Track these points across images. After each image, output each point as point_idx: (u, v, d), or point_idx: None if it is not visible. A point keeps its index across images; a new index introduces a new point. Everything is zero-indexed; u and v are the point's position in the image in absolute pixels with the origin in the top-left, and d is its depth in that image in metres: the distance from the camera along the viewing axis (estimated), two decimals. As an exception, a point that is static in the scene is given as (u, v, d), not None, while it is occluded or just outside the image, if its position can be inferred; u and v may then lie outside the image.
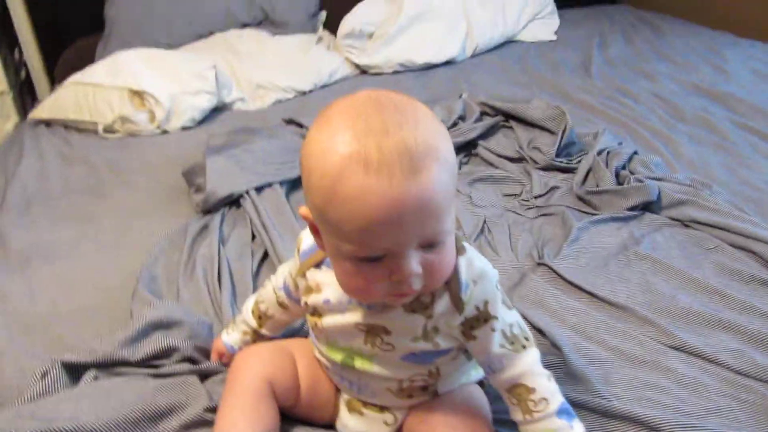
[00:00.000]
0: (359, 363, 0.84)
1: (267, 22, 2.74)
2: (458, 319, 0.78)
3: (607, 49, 2.68)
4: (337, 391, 0.92)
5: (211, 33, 2.64)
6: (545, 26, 2.97)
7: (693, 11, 3.02)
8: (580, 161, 1.58)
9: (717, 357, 0.96)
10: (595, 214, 1.38)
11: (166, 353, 0.99)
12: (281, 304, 0.98)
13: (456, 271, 0.76)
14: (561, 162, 1.60)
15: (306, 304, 0.86)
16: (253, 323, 1.00)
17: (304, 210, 0.75)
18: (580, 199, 1.46)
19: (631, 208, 1.37)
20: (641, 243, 1.27)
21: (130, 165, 1.84)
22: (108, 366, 0.97)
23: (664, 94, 2.09)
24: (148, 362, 0.98)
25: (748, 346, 0.99)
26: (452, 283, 0.77)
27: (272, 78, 2.38)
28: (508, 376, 0.78)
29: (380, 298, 0.73)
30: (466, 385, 0.89)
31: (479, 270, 0.79)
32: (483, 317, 0.78)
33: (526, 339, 0.80)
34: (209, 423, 0.89)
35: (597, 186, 1.46)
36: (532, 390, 0.77)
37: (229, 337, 1.02)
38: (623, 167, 1.49)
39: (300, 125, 1.90)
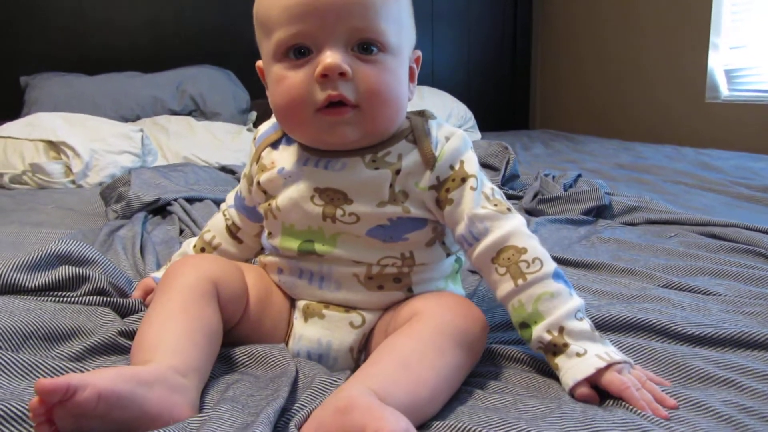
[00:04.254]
0: (320, 246, 0.71)
1: (197, 112, 2.72)
2: (430, 178, 0.70)
3: (529, 150, 2.80)
4: (291, 306, 0.76)
5: (138, 118, 2.58)
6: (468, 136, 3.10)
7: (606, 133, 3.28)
8: (526, 190, 1.55)
9: (709, 289, 0.88)
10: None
11: (72, 283, 0.79)
12: (231, 229, 0.87)
13: (426, 128, 0.72)
14: (507, 190, 1.57)
15: (259, 183, 0.76)
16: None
17: (258, 62, 0.75)
18: (531, 213, 1.41)
19: (585, 213, 1.33)
20: (602, 233, 1.22)
21: (38, 205, 1.65)
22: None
23: (592, 168, 2.17)
24: (48, 293, 0.78)
25: (739, 282, 0.91)
26: (421, 137, 0.71)
27: (200, 153, 2.30)
28: (494, 239, 0.68)
29: (314, 119, 0.67)
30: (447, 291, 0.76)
31: (451, 130, 0.74)
32: (460, 176, 0.70)
33: (509, 209, 0.71)
34: (125, 349, 0.69)
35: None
36: (523, 250, 0.67)
37: (161, 273, 0.84)
38: (570, 186, 1.48)
39: (233, 172, 1.80)
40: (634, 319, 0.74)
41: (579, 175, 1.55)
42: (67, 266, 0.80)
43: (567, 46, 3.59)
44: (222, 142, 2.40)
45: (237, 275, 0.73)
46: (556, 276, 0.66)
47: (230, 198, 0.88)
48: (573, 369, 0.62)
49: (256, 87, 2.48)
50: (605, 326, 0.75)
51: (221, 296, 0.68)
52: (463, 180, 0.70)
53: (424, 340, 0.62)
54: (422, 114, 0.75)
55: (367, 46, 0.66)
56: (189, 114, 2.69)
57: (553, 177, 1.54)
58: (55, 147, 1.93)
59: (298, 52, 0.66)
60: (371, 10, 0.66)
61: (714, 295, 0.86)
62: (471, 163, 0.71)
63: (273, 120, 0.79)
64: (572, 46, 3.55)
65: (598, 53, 3.38)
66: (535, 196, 1.46)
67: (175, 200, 1.34)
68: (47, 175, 1.87)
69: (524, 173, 1.90)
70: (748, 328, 0.70)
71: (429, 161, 0.70)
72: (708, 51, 2.77)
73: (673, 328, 0.72)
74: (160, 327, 0.63)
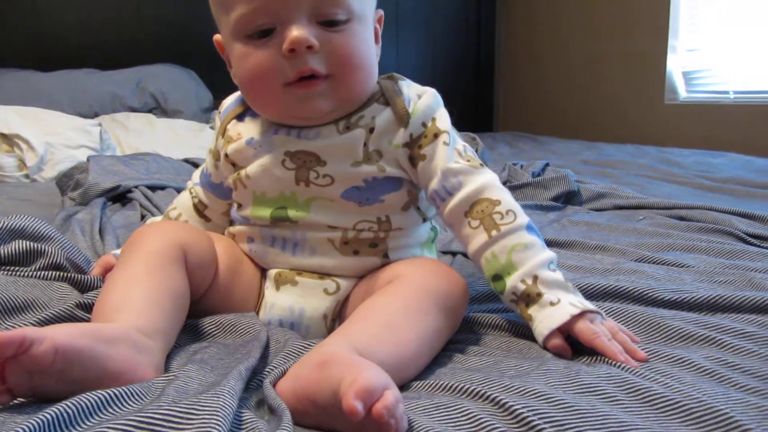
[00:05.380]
0: (294, 212, 0.69)
1: (158, 110, 2.65)
2: (403, 136, 0.69)
3: (494, 150, 2.81)
4: (262, 277, 0.73)
5: (96, 115, 2.50)
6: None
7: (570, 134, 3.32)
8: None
9: (682, 262, 0.88)
10: (519, 203, 1.33)
11: (26, 258, 0.75)
12: (198, 207, 0.83)
13: (397, 88, 0.71)
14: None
15: (227, 156, 0.74)
16: None
17: (216, 36, 0.73)
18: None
19: (554, 199, 1.33)
20: (572, 217, 1.22)
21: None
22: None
23: (557, 165, 2.18)
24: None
25: (711, 256, 0.91)
26: (393, 96, 0.70)
27: (161, 149, 2.22)
28: (467, 192, 0.67)
29: (284, 95, 0.66)
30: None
31: (422, 88, 0.73)
32: (432, 132, 0.70)
33: (481, 164, 0.70)
34: (82, 321, 0.65)
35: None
36: (496, 202, 0.67)
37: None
38: (538, 174, 1.48)
39: (197, 165, 1.76)
40: (610, 287, 0.73)
41: (547, 164, 1.55)
42: (20, 240, 0.76)
43: (529, 49, 3.64)
44: (184, 138, 2.35)
45: (205, 242, 0.70)
46: (529, 228, 0.66)
47: (196, 176, 0.85)
48: (547, 318, 0.61)
49: (219, 86, 2.44)
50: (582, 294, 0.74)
51: (189, 262, 0.65)
52: (436, 135, 0.69)
53: (407, 301, 0.60)
54: (391, 77, 0.74)
55: (332, 20, 0.65)
56: (149, 111, 2.62)
57: (521, 166, 1.54)
58: (7, 140, 1.85)
59: (262, 33, 0.64)
60: None
61: (686, 267, 0.86)
62: (443, 120, 0.71)
63: (237, 93, 0.77)
64: (534, 49, 3.60)
65: (559, 57, 3.43)
66: (503, 184, 1.45)
67: (136, 188, 1.29)
68: (-1, 168, 1.79)
69: (492, 167, 1.90)
70: (724, 292, 0.70)
71: (402, 119, 0.69)
72: (666, 53, 2.84)
73: (650, 294, 0.71)
74: (124, 290, 0.60)
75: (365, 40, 0.68)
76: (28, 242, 0.75)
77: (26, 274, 0.72)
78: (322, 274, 0.70)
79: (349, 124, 0.69)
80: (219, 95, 2.78)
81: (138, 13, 2.92)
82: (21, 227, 0.78)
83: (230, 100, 0.78)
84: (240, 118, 0.75)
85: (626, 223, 1.16)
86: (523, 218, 0.66)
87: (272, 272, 0.72)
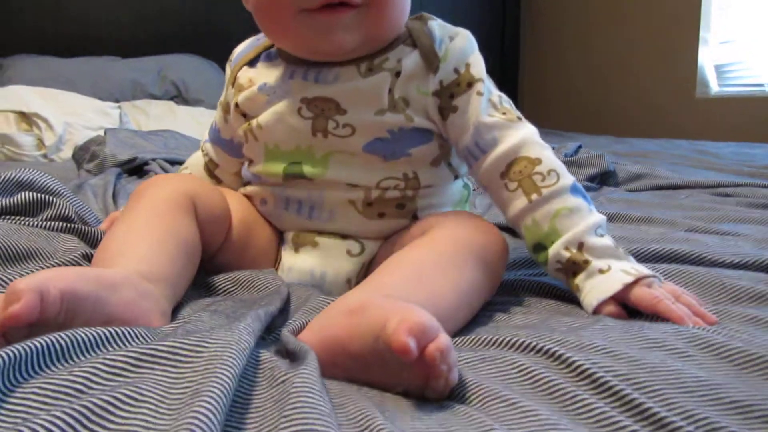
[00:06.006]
0: (309, 168, 0.62)
1: (179, 98, 2.62)
2: (433, 82, 0.62)
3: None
4: (279, 238, 0.67)
5: (117, 101, 2.47)
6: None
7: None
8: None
9: (736, 232, 0.81)
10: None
11: (32, 208, 0.70)
12: (209, 166, 0.78)
13: (426, 29, 0.63)
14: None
15: (237, 106, 0.68)
16: None
17: None
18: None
19: (589, 180, 1.26)
20: (610, 195, 1.15)
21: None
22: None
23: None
24: (2, 216, 0.68)
25: (766, 226, 0.84)
26: (421, 38, 0.62)
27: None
28: (504, 150, 0.60)
29: (298, 21, 0.58)
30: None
31: (455, 29, 0.65)
32: (466, 80, 0.62)
33: (519, 117, 0.63)
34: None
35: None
36: (536, 161, 0.59)
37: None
38: (571, 156, 1.41)
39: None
40: (665, 251, 0.67)
41: (580, 146, 1.48)
42: (26, 191, 0.71)
43: (554, 43, 3.56)
44: (205, 125, 2.29)
45: (217, 195, 0.64)
46: (574, 190, 0.58)
47: (207, 133, 0.79)
48: (597, 287, 0.54)
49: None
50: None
51: (199, 214, 0.60)
52: (470, 85, 0.62)
53: (440, 252, 0.54)
54: (421, 17, 0.66)
55: None
56: (170, 99, 2.59)
57: (554, 148, 1.47)
58: (26, 119, 1.82)
59: None
60: None
61: (743, 236, 0.79)
62: (478, 67, 0.63)
63: (249, 39, 0.72)
64: (560, 43, 3.52)
65: (585, 50, 3.35)
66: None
67: (154, 160, 1.25)
68: (17, 146, 1.76)
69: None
70: (792, 255, 0.63)
71: (432, 63, 0.62)
72: (698, 46, 2.75)
73: (710, 257, 0.65)
74: (125, 236, 0.55)
75: None
76: (34, 193, 0.70)
77: (32, 224, 0.67)
78: (345, 235, 0.64)
79: (372, 66, 0.62)
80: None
81: (161, 6, 2.89)
82: (29, 180, 0.73)
83: (241, 47, 0.72)
84: (251, 64, 0.68)
85: (669, 201, 1.09)
86: (567, 178, 0.59)
87: (289, 234, 0.66)
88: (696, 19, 2.72)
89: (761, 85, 2.58)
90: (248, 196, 0.69)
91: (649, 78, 2.99)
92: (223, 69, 2.41)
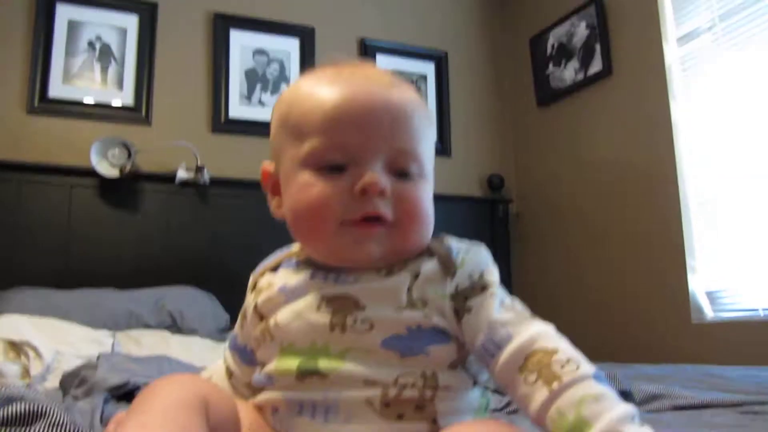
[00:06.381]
0: (325, 363, 0.61)
1: (174, 328, 2.59)
2: (450, 286, 0.64)
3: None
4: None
5: (110, 330, 2.44)
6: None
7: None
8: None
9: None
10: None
11: (24, 419, 0.64)
12: (227, 373, 0.77)
13: (444, 244, 0.68)
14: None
15: (256, 307, 0.69)
16: None
17: (266, 165, 0.72)
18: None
19: (605, 400, 1.20)
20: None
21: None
22: None
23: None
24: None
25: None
26: (438, 249, 0.67)
27: (174, 365, 2.14)
28: (519, 344, 0.59)
29: (338, 232, 0.63)
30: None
31: (471, 243, 0.70)
32: (480, 285, 0.64)
33: (531, 315, 0.64)
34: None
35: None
36: (553, 351, 0.57)
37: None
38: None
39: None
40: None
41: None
42: (19, 402, 0.66)
43: (542, 271, 3.64)
44: (197, 355, 2.25)
45: (230, 401, 0.61)
46: (597, 378, 0.55)
47: (228, 341, 0.79)
48: None
49: (236, 308, 2.40)
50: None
51: (210, 418, 0.55)
52: (483, 288, 0.64)
53: None
54: (438, 236, 0.71)
55: (405, 171, 0.65)
56: (165, 329, 2.56)
57: (562, 368, 1.42)
58: (15, 348, 1.77)
59: (333, 168, 0.63)
60: (415, 136, 0.65)
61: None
62: (492, 276, 0.66)
63: (273, 253, 0.75)
64: (548, 272, 3.61)
65: (574, 284, 3.42)
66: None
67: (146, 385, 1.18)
68: (1, 375, 1.69)
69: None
70: None
71: (449, 269, 0.64)
72: (686, 273, 2.83)
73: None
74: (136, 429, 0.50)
75: (430, 198, 0.68)
76: (27, 404, 0.65)
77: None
78: None
79: (392, 270, 0.64)
80: (235, 316, 2.75)
81: (167, 242, 2.99)
82: (20, 395, 0.68)
83: (264, 261, 0.76)
84: (274, 270, 0.71)
85: (696, 420, 1.02)
86: (587, 366, 0.57)
87: None
88: (681, 246, 2.83)
89: (755, 309, 2.61)
90: (259, 408, 0.65)
91: (645, 305, 3.02)
92: (220, 300, 2.42)
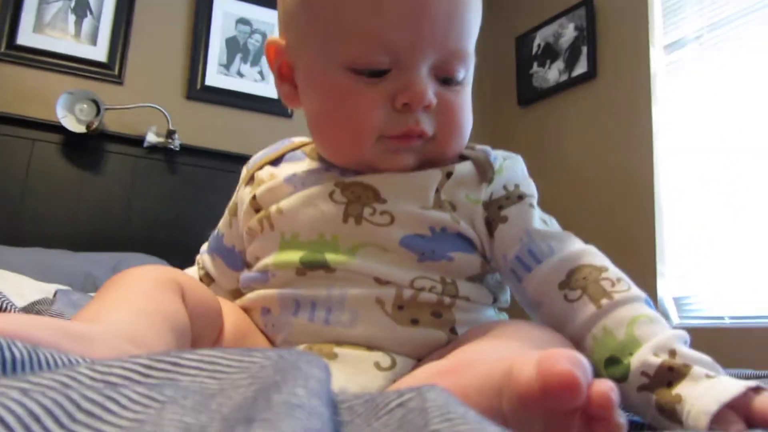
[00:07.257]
0: (332, 256, 0.53)
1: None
2: (485, 192, 0.58)
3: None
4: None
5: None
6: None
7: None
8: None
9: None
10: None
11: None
12: (203, 280, 0.69)
13: (480, 149, 0.63)
14: None
15: (254, 198, 0.60)
16: None
17: (272, 39, 0.61)
18: None
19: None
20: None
21: None
22: None
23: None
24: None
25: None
26: (473, 153, 0.61)
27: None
28: (561, 258, 0.54)
29: (374, 145, 0.55)
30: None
31: (508, 153, 0.64)
32: (515, 194, 0.59)
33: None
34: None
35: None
36: (602, 268, 0.53)
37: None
38: None
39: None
40: None
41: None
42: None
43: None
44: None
45: (208, 292, 0.54)
46: (648, 303, 0.52)
47: (205, 245, 0.70)
48: (709, 392, 0.43)
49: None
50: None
51: (188, 302, 0.48)
52: (520, 198, 0.58)
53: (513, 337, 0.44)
54: (471, 146, 0.64)
55: (451, 77, 0.56)
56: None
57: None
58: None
59: (373, 72, 0.54)
60: (470, 33, 0.57)
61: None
62: (529, 188, 0.60)
63: (266, 148, 0.67)
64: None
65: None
66: None
67: (108, 322, 1.09)
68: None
69: None
70: None
71: (486, 173, 0.58)
72: (656, 279, 2.83)
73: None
74: (99, 308, 0.42)
75: (470, 108, 0.60)
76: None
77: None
78: (370, 346, 0.51)
79: (421, 167, 0.58)
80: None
81: (128, 207, 2.87)
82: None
83: (259, 153, 0.67)
84: (274, 163, 0.63)
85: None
86: (639, 292, 0.53)
87: (300, 347, 0.53)
88: (652, 250, 2.84)
89: (721, 317, 2.62)
90: (245, 309, 0.58)
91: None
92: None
